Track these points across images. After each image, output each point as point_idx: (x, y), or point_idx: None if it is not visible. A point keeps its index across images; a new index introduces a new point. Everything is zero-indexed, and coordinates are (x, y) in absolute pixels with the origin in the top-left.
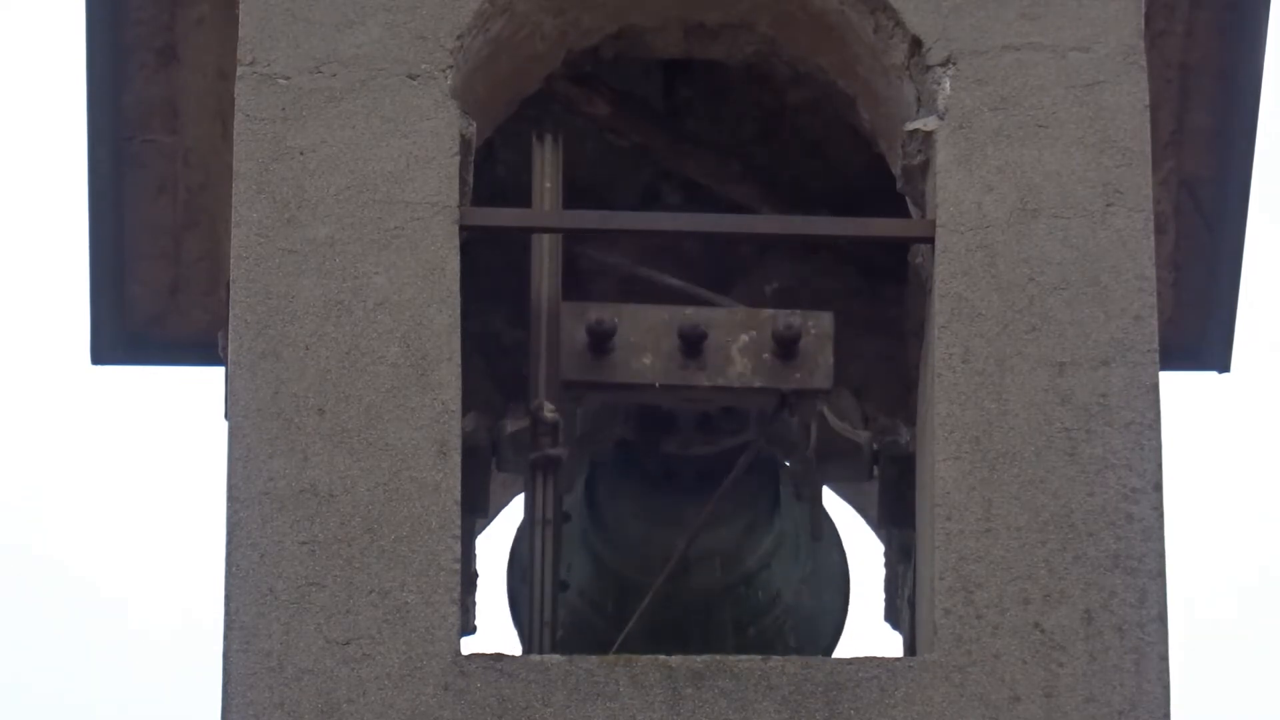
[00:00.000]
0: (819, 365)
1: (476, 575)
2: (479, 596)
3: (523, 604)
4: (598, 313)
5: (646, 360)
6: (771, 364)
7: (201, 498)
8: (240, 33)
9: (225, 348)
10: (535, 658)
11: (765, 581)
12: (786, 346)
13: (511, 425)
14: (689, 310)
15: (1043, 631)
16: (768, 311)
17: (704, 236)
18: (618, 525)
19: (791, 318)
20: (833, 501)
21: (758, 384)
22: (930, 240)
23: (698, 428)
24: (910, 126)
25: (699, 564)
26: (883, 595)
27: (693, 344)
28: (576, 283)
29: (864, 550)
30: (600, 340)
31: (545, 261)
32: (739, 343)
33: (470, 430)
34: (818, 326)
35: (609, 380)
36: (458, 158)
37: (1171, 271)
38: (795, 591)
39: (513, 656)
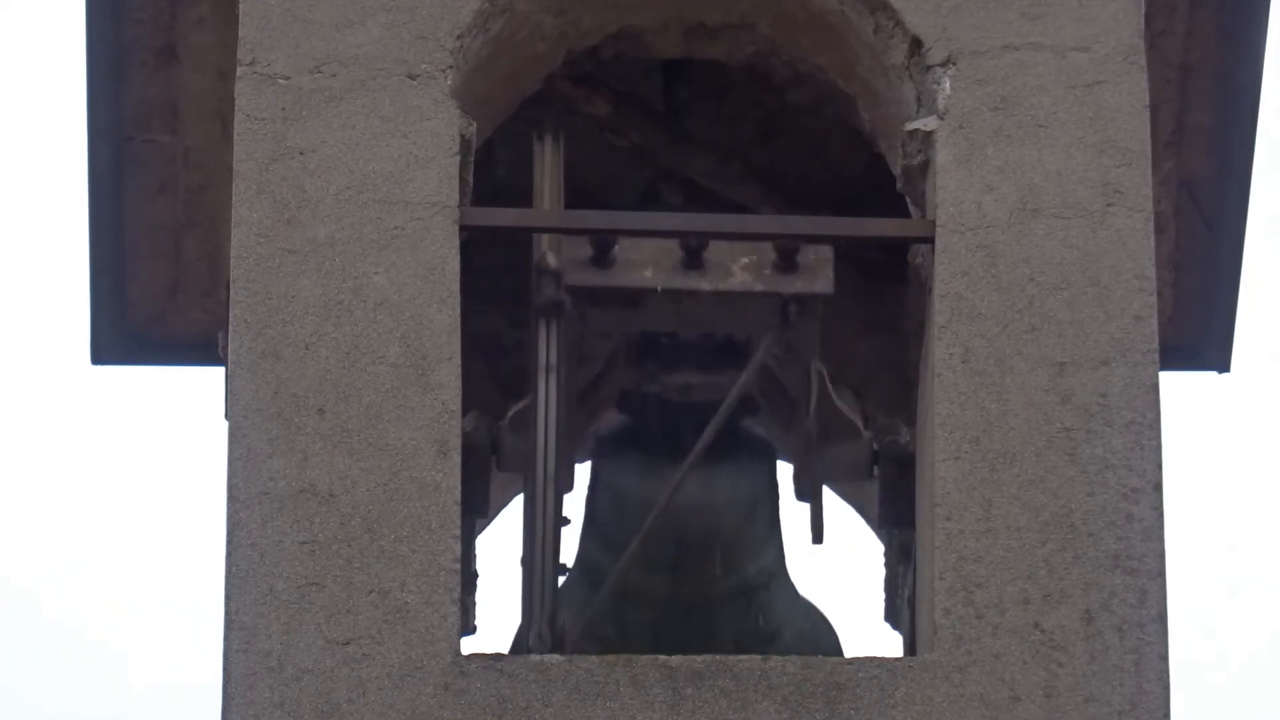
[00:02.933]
0: (820, 273)
1: (476, 575)
2: (479, 596)
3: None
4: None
5: (648, 272)
6: (773, 275)
7: (201, 498)
8: (240, 33)
9: (225, 348)
10: (535, 658)
11: (766, 605)
12: (787, 259)
13: (512, 423)
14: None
15: (1043, 631)
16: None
17: (704, 236)
18: (620, 499)
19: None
20: (833, 501)
21: (759, 289)
22: (930, 240)
23: (697, 366)
24: (910, 126)
25: (698, 556)
26: (883, 595)
27: (694, 254)
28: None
29: (864, 550)
30: (603, 251)
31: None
32: (739, 262)
33: (470, 430)
34: (818, 251)
35: (611, 285)
36: (458, 158)
37: (1171, 271)
38: (797, 632)
39: (513, 656)
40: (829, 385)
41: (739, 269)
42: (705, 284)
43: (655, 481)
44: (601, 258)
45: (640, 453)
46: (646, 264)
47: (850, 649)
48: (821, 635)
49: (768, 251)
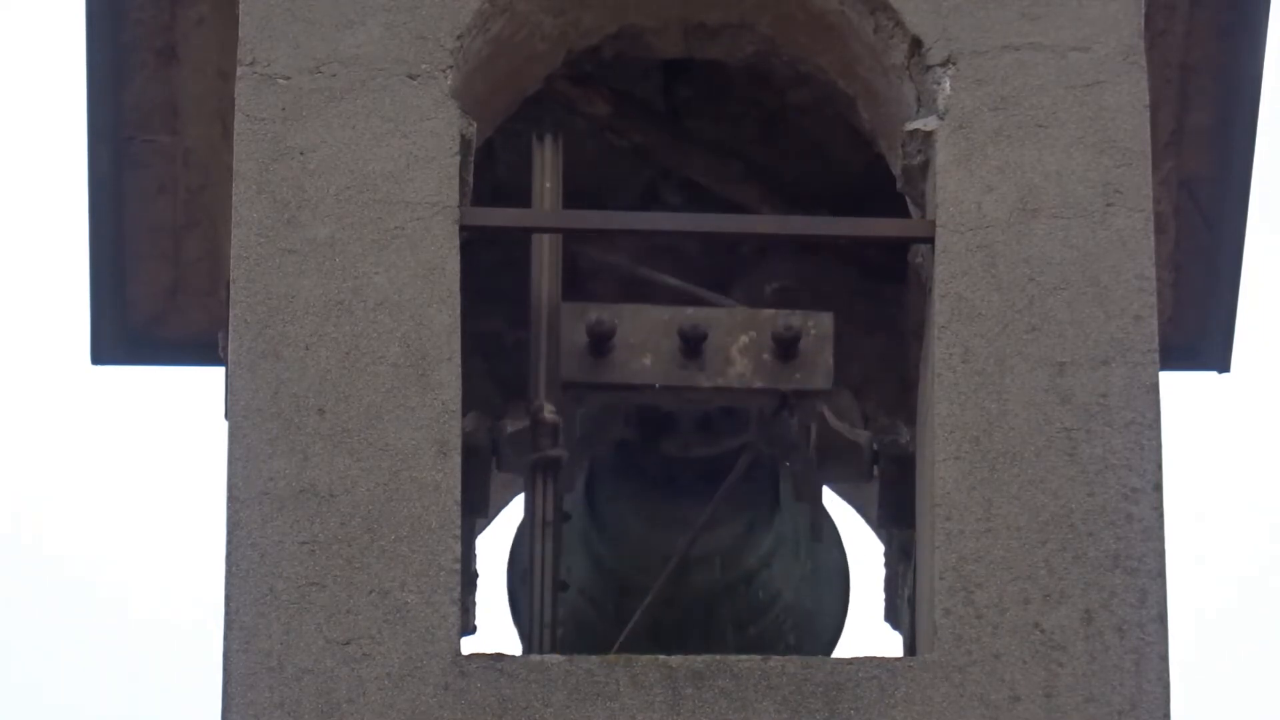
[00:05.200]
0: (819, 366)
1: (476, 575)
2: (479, 596)
3: (523, 604)
4: (598, 313)
5: (646, 361)
6: (772, 365)
7: (201, 498)
8: (240, 33)
9: (225, 348)
10: (535, 658)
11: (766, 581)
12: (786, 347)
13: (512, 425)
14: (689, 311)
15: (1043, 631)
16: (768, 312)
17: (704, 236)
18: (618, 526)
19: (791, 318)
20: (833, 501)
21: (758, 385)
22: (930, 240)
23: (697, 428)
24: (910, 126)
25: (699, 564)
26: (883, 595)
27: (692, 344)
28: (577, 282)
29: (864, 550)
30: (600, 340)
31: (545, 261)
32: (739, 343)
33: (470, 430)
34: (818, 327)
35: (609, 381)
36: (458, 158)
37: (1171, 271)
38: (796, 590)
39: (513, 656)
40: (830, 421)
41: (738, 354)
42: (703, 379)
43: (654, 520)
44: (599, 346)
45: (635, 481)
46: (645, 352)
47: (850, 649)
48: (821, 582)
49: (766, 337)
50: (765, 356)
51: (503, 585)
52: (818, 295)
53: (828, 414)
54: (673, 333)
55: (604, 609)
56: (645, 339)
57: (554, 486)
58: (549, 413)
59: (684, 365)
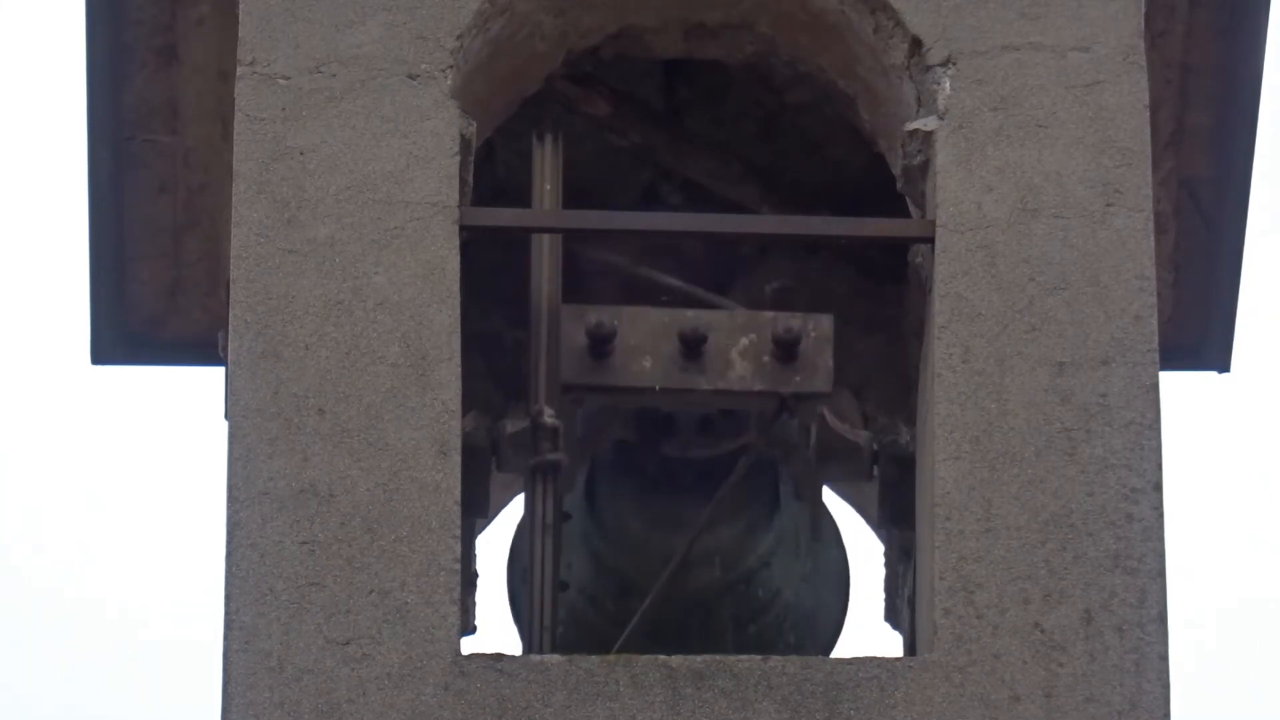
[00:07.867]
0: (819, 368)
1: (476, 575)
2: (479, 596)
3: (523, 604)
4: (597, 315)
5: (646, 363)
6: (772, 367)
7: (201, 498)
8: (240, 33)
9: (225, 348)
10: (535, 658)
11: (765, 579)
12: (787, 349)
13: (511, 426)
14: (689, 313)
15: (1043, 631)
16: (768, 314)
17: (704, 236)
18: (617, 525)
19: (791, 320)
20: (833, 501)
21: (758, 387)
22: (930, 240)
23: (698, 430)
24: (910, 126)
25: (699, 563)
26: (883, 595)
27: (692, 347)
28: (576, 283)
29: (864, 550)
30: (600, 343)
31: (545, 261)
32: (739, 345)
33: (470, 430)
34: (818, 329)
35: (609, 383)
36: (458, 158)
37: (1171, 271)
38: (795, 589)
39: (513, 656)
40: (830, 422)
41: (738, 357)
42: (703, 382)
43: (654, 520)
44: (599, 348)
45: (635, 481)
46: (645, 354)
47: (850, 649)
48: (821, 581)
49: (766, 340)
50: (765, 359)
51: (503, 585)
52: (817, 295)
53: (828, 415)
54: (673, 335)
55: (603, 608)
56: (645, 341)
57: (554, 489)
58: (549, 417)
59: (684, 368)
